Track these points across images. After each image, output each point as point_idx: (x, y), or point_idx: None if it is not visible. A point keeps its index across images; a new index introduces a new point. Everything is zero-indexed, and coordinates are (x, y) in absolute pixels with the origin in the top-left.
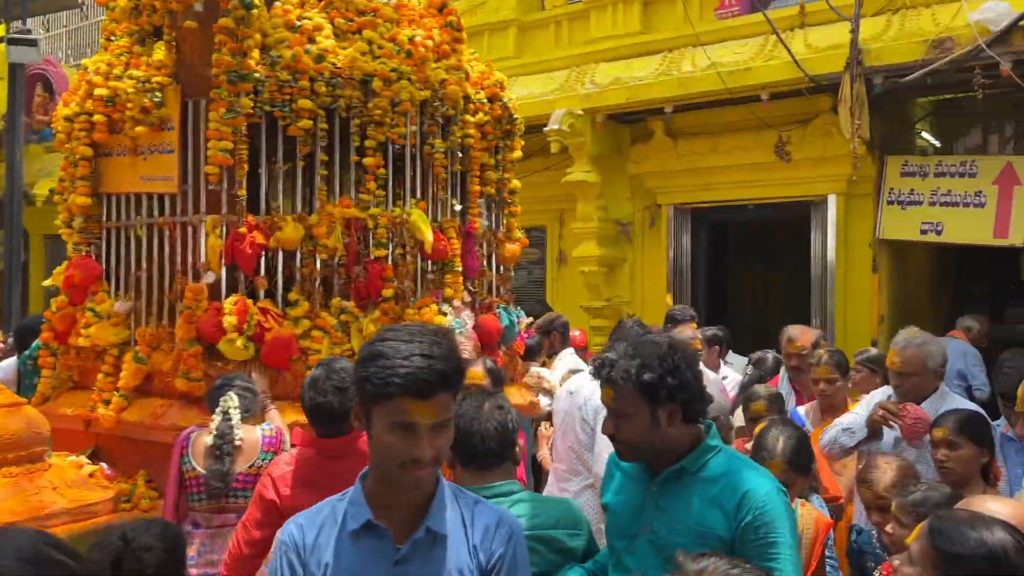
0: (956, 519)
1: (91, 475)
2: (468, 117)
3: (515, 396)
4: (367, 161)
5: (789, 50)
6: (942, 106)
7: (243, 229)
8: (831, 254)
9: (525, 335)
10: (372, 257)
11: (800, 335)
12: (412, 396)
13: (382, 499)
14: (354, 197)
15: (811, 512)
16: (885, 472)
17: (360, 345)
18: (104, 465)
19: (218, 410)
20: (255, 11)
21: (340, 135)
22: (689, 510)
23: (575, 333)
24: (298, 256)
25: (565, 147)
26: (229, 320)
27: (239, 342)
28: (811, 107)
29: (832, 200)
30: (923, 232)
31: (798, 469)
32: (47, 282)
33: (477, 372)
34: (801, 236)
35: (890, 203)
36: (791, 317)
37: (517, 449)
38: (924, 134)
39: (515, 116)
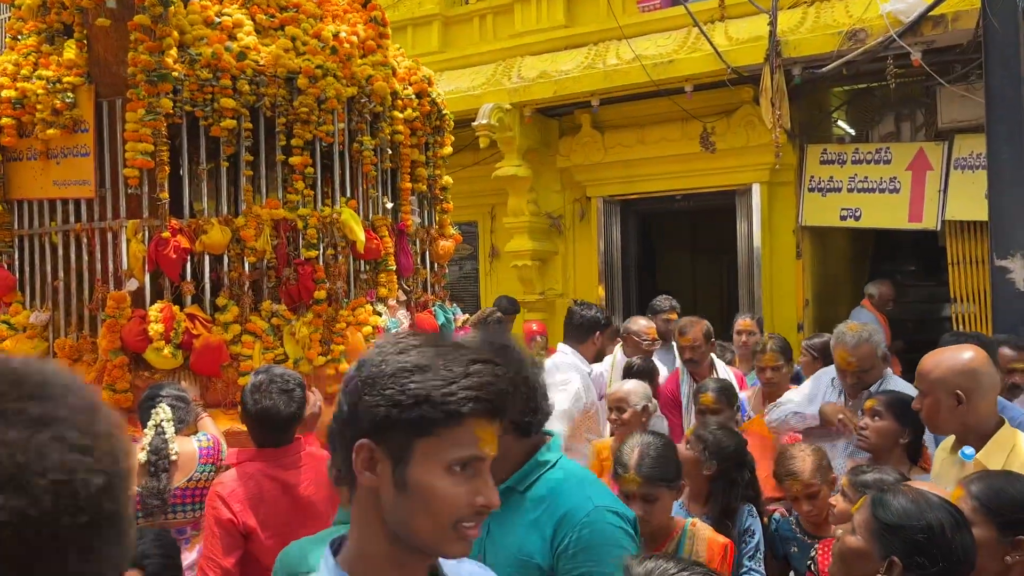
0: (899, 493)
1: None
2: (396, 113)
3: None
4: (294, 160)
5: (711, 42)
6: (857, 95)
7: (166, 233)
8: (757, 241)
9: (462, 332)
10: (302, 258)
11: (691, 327)
12: (485, 417)
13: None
14: (282, 197)
15: (703, 534)
16: (805, 461)
17: (293, 350)
18: None
19: (150, 424)
20: (172, 7)
21: (265, 134)
22: (513, 535)
23: (532, 325)
24: (225, 260)
25: (494, 141)
26: (155, 328)
27: (167, 350)
28: (733, 98)
29: (756, 189)
30: (843, 218)
31: (659, 482)
32: None
33: None
34: (727, 225)
35: (811, 190)
36: (720, 304)
37: None
38: (840, 123)
39: (444, 112)
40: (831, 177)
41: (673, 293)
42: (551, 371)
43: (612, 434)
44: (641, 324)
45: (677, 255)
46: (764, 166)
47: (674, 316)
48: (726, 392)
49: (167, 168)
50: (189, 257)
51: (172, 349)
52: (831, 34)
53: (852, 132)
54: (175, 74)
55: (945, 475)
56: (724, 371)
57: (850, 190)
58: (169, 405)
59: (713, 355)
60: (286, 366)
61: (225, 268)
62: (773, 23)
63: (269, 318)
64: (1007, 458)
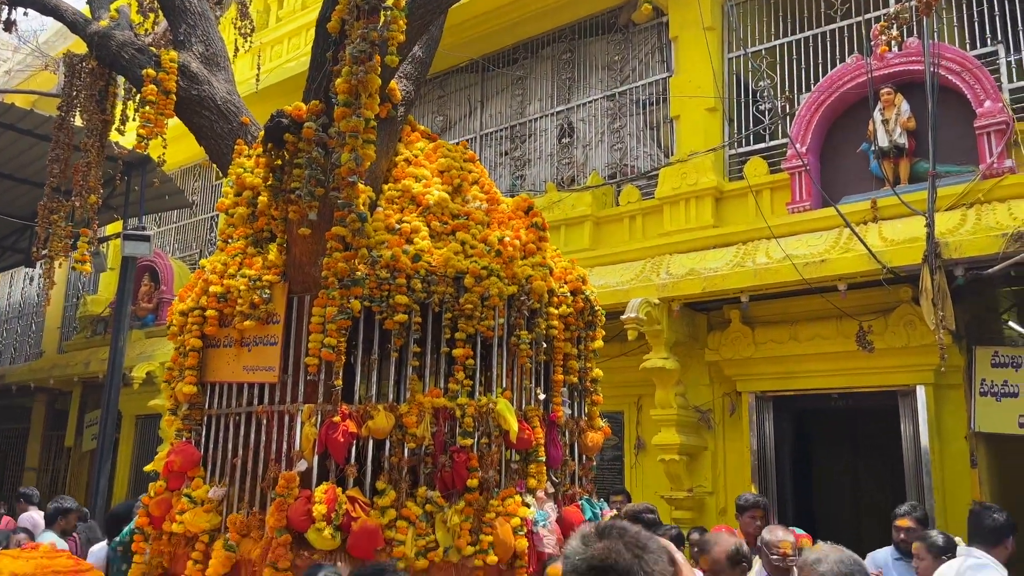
0: None
1: None
2: (552, 310)
3: None
4: (456, 352)
5: (864, 243)
6: None
7: (337, 418)
8: (924, 444)
9: None
10: (458, 446)
11: (715, 547)
12: None
13: None
14: (443, 387)
15: None
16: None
17: (444, 537)
18: None
19: None
20: (367, 224)
21: (432, 327)
22: None
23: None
24: (387, 445)
25: (642, 334)
26: (319, 509)
27: (327, 531)
28: (891, 297)
29: (921, 391)
30: (1021, 425)
31: None
32: (148, 467)
33: (559, 570)
34: (890, 424)
35: (983, 394)
36: (883, 507)
37: None
38: (1011, 323)
39: (596, 308)
40: (1005, 381)
41: (832, 493)
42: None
43: None
44: (778, 535)
45: (835, 454)
46: (928, 367)
47: (759, 513)
48: None
49: (343, 358)
50: (355, 441)
51: (332, 531)
52: (994, 236)
53: (1021, 331)
54: (359, 274)
55: None
56: None
57: None
58: None
59: None
60: (436, 554)
61: (386, 453)
62: (931, 224)
63: (423, 504)
64: None
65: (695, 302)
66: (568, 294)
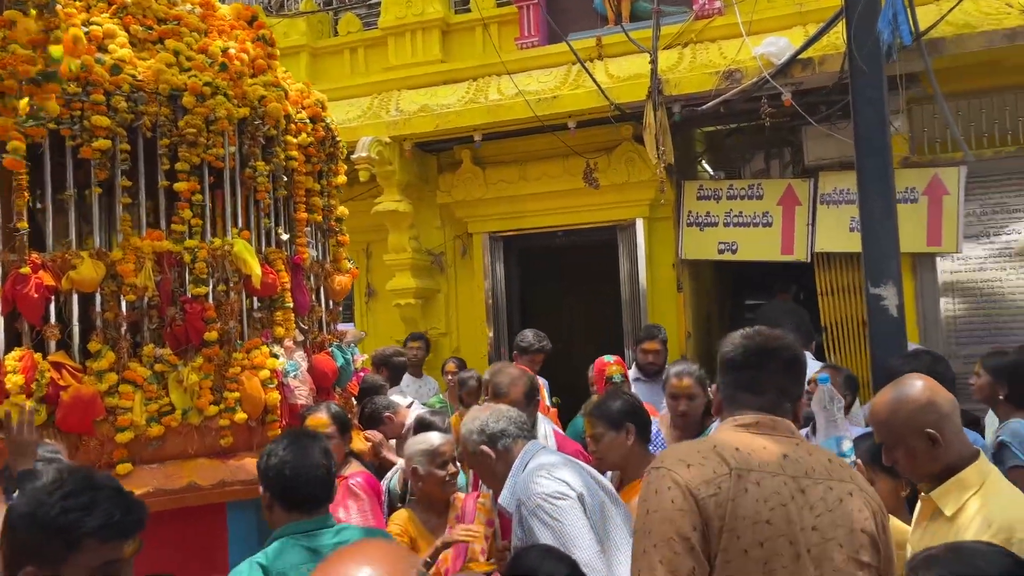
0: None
1: None
2: (290, 138)
3: (357, 441)
4: (180, 186)
5: (594, 78)
6: (727, 135)
7: (26, 269)
8: (641, 274)
9: (362, 374)
10: (190, 296)
11: (509, 386)
12: None
13: None
14: (165, 228)
15: None
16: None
17: (180, 399)
18: None
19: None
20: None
21: (145, 157)
22: None
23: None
24: (98, 299)
25: (373, 177)
26: (14, 380)
27: (28, 405)
28: (614, 135)
29: (640, 224)
30: (720, 251)
31: None
32: None
33: (321, 419)
34: (610, 261)
35: (690, 225)
36: (606, 340)
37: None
38: (703, 163)
39: (337, 138)
40: (708, 212)
41: (560, 330)
42: None
43: None
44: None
45: (561, 291)
46: (644, 202)
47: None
48: None
49: (26, 194)
50: (54, 297)
51: (35, 404)
52: (708, 73)
53: (711, 173)
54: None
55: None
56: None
57: (726, 224)
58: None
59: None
60: (172, 418)
61: (98, 309)
62: (654, 60)
63: (152, 364)
64: (968, 500)
65: (425, 142)
66: (307, 121)
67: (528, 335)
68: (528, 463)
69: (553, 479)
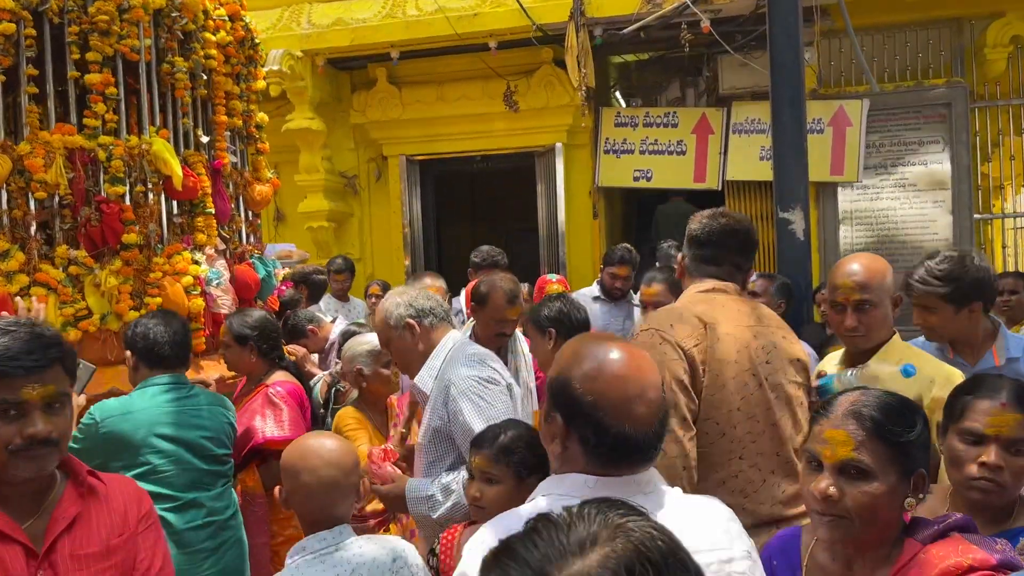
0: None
1: None
2: (208, 35)
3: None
4: (91, 78)
5: None
6: (648, 63)
7: None
8: (560, 201)
9: (283, 288)
10: (106, 196)
11: (493, 293)
12: None
13: None
14: (76, 122)
15: None
16: None
17: (98, 303)
18: None
19: None
20: None
21: (53, 46)
22: None
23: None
24: (4, 195)
25: (283, 93)
26: None
27: None
28: (534, 58)
29: (559, 149)
30: (636, 179)
31: None
32: None
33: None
34: (528, 186)
35: (607, 152)
36: (523, 266)
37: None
38: (616, 94)
39: (257, 39)
40: (624, 139)
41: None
42: None
43: None
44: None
45: (477, 216)
46: (563, 127)
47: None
48: None
49: None
50: None
51: None
52: None
53: (624, 104)
54: None
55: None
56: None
57: (642, 152)
58: None
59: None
60: (90, 323)
61: (4, 206)
62: None
63: (66, 267)
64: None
65: (339, 58)
66: (226, 19)
67: (483, 248)
68: (452, 349)
69: (486, 366)
